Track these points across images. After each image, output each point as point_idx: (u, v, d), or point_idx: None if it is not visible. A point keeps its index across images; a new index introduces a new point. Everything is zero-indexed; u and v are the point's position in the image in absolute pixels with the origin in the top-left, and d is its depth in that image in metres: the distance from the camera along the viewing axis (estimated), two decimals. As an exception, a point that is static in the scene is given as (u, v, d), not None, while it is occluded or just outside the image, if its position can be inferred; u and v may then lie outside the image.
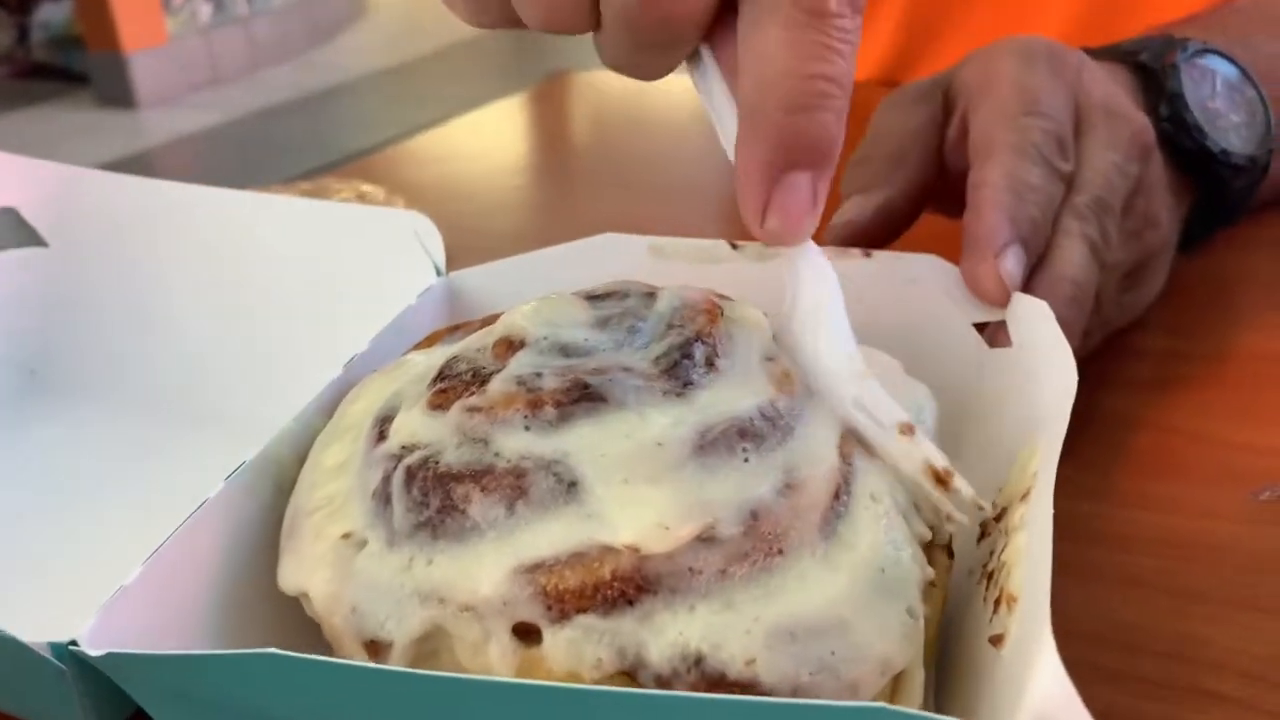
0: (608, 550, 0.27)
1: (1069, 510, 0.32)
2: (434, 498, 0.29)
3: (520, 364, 0.31)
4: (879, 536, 0.29)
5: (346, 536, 0.31)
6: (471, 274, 0.47)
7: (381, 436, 0.32)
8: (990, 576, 0.32)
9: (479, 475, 0.29)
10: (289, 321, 0.47)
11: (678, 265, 0.46)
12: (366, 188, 0.64)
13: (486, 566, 0.28)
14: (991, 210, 0.43)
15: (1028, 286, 0.43)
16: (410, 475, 0.30)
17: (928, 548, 0.31)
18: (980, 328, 0.43)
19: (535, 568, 0.28)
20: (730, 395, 0.30)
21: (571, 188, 0.87)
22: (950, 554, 0.33)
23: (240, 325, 0.48)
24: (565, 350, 0.31)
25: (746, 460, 0.29)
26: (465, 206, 0.75)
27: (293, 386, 0.39)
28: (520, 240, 0.61)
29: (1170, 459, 0.48)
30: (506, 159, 0.93)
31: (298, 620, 0.32)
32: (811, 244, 0.35)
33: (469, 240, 0.67)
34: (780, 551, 0.28)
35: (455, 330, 0.40)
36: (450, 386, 0.32)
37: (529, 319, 0.32)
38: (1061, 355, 0.35)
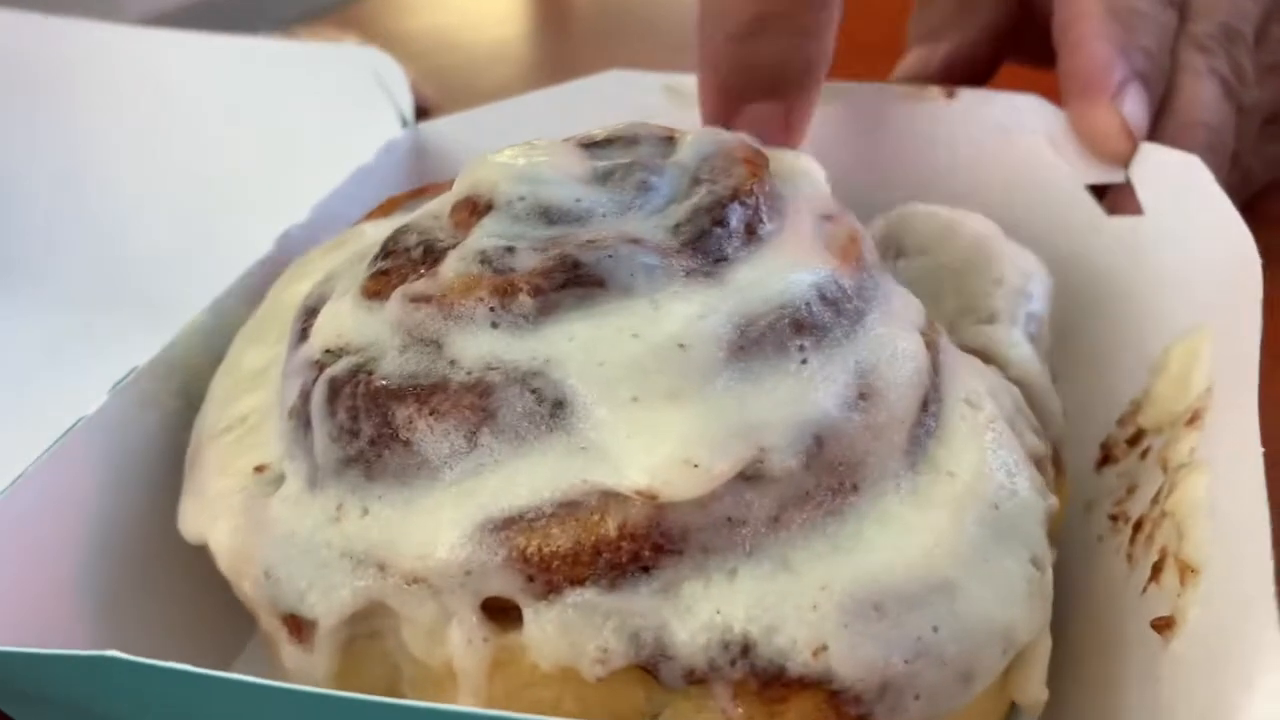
0: (611, 497, 0.19)
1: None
2: (366, 423, 0.21)
3: (486, 234, 0.22)
4: (985, 458, 0.21)
5: (260, 470, 0.23)
6: (444, 125, 0.37)
7: (304, 335, 0.24)
8: (1138, 527, 0.24)
9: (427, 392, 0.21)
10: (224, 183, 0.38)
11: (697, 109, 0.36)
12: (338, 34, 0.54)
13: (442, 521, 0.20)
14: (1096, 41, 0.33)
15: (1149, 138, 0.33)
16: (334, 391, 0.21)
17: (1039, 465, 0.23)
18: (1098, 191, 0.33)
19: (510, 523, 0.20)
20: (779, 272, 0.22)
21: (571, 38, 0.77)
22: (1061, 469, 0.25)
23: (169, 189, 0.39)
24: (549, 214, 0.23)
25: (805, 362, 0.21)
26: (451, 59, 0.65)
27: (227, 263, 0.31)
28: (511, 96, 0.52)
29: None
30: (499, 6, 0.82)
31: (211, 575, 0.24)
32: None
33: (456, 97, 0.58)
34: (855, 488, 0.20)
35: (419, 195, 0.31)
36: (393, 267, 0.23)
37: (500, 171, 0.23)
38: (1226, 219, 0.26)
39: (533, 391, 0.20)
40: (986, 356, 0.26)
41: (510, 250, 0.21)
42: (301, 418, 0.22)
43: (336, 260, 0.26)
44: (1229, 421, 0.22)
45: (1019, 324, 0.27)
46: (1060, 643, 0.22)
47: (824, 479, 0.20)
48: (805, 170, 0.26)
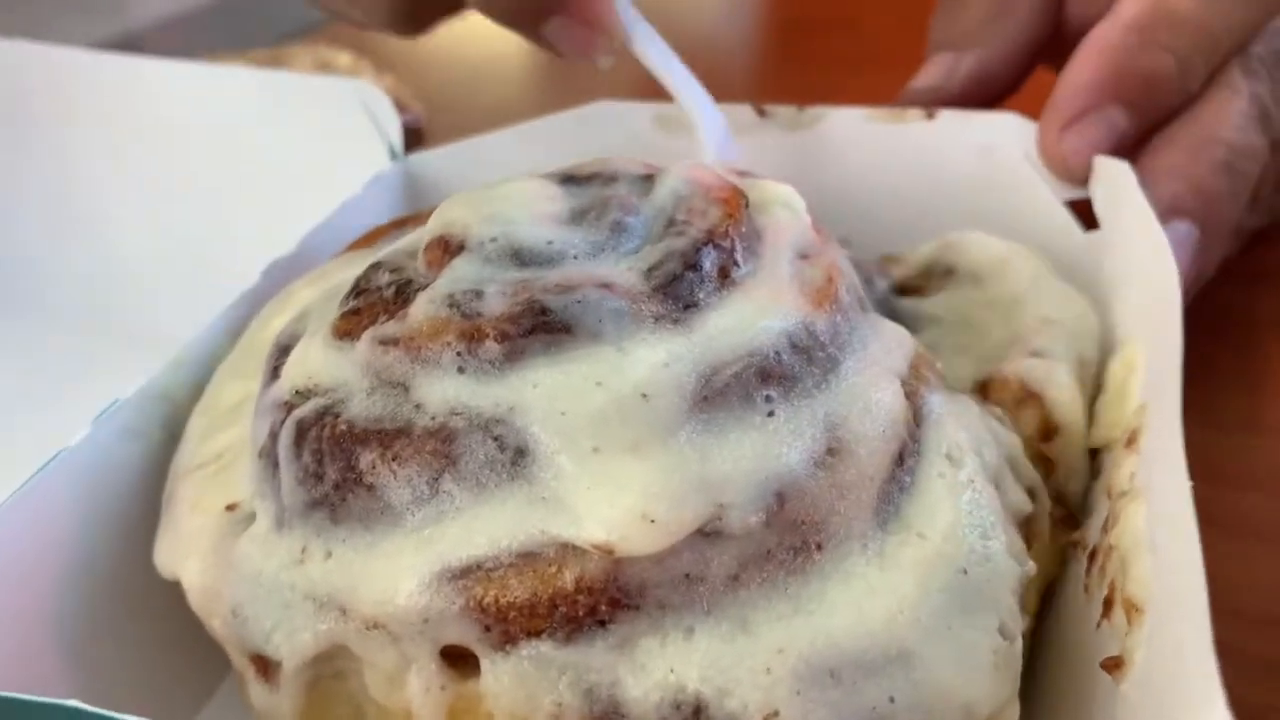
0: (570, 549, 0.19)
1: (1205, 442, 0.23)
2: (331, 466, 0.21)
3: (456, 276, 0.22)
4: (959, 519, 0.20)
5: (231, 508, 0.23)
6: (433, 156, 0.37)
7: (275, 374, 0.24)
8: (1092, 556, 0.23)
9: (392, 437, 0.20)
10: (213, 213, 0.38)
11: (687, 138, 0.36)
12: (331, 54, 0.54)
13: (402, 568, 0.20)
14: (1083, 64, 0.32)
15: (1163, 143, 0.32)
16: (300, 433, 0.21)
17: (1026, 524, 0.23)
18: (1080, 208, 0.33)
19: (468, 572, 0.19)
20: (749, 318, 0.22)
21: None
22: (1074, 523, 0.25)
23: (158, 218, 0.39)
24: (520, 256, 0.22)
25: (771, 414, 0.20)
26: (446, 75, 0.65)
27: (215, 293, 0.31)
28: (508, 114, 0.52)
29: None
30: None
31: (189, 611, 0.24)
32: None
33: (449, 116, 0.58)
34: (818, 546, 0.20)
35: (403, 224, 0.31)
36: (364, 307, 0.23)
37: (473, 211, 0.23)
38: (1149, 227, 0.26)
39: (495, 439, 0.20)
40: (1029, 391, 0.26)
41: (478, 294, 0.21)
42: (270, 458, 0.22)
43: (311, 296, 0.26)
44: (1159, 445, 0.22)
45: (1067, 364, 0.27)
46: (1034, 675, 0.22)
47: (786, 537, 0.19)
48: (785, 201, 0.26)
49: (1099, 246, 0.31)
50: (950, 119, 0.34)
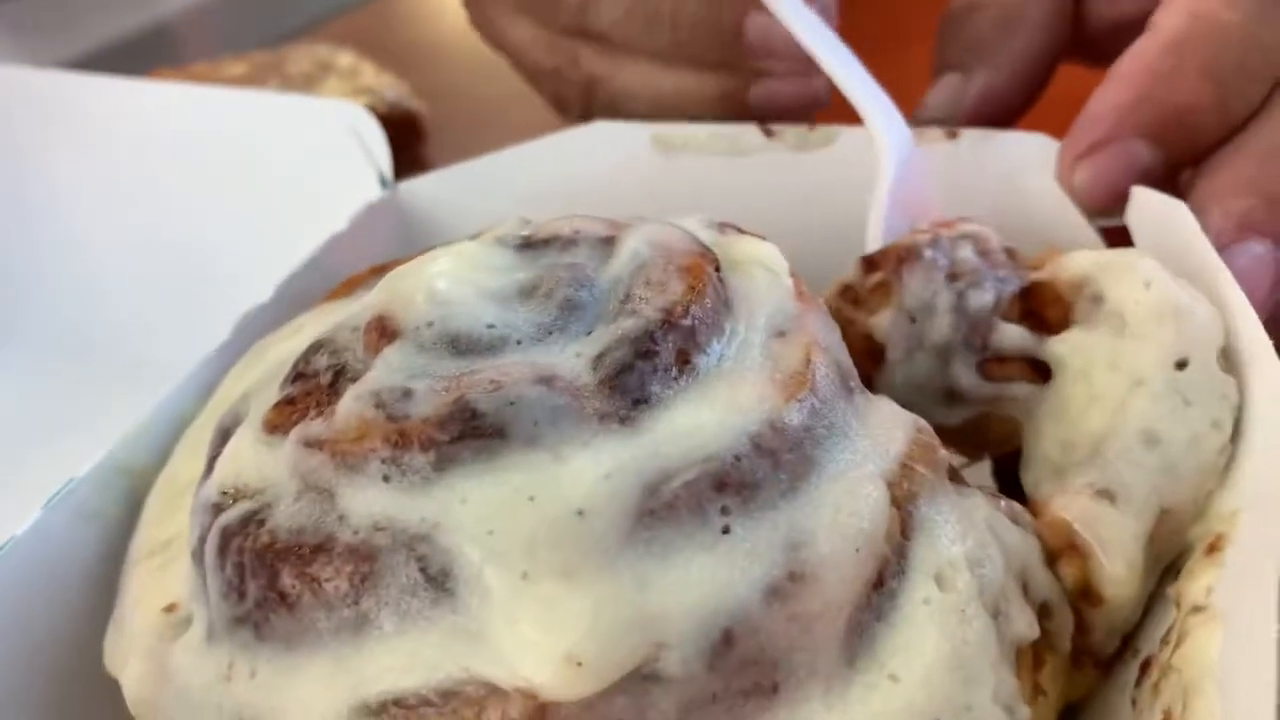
0: (493, 691, 0.17)
1: None
2: (253, 582, 0.19)
3: (388, 368, 0.20)
4: (942, 659, 0.18)
5: (171, 609, 0.22)
6: (425, 184, 0.35)
7: (212, 466, 0.22)
8: (1145, 667, 0.21)
9: (313, 554, 0.19)
10: (196, 241, 0.37)
11: (691, 161, 0.34)
12: (331, 53, 0.52)
13: (319, 697, 0.18)
14: (1109, 87, 0.29)
15: (1224, 158, 0.29)
16: (224, 543, 0.20)
17: (1038, 650, 0.20)
18: (1113, 233, 0.30)
19: (386, 708, 0.18)
20: (707, 414, 0.19)
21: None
22: (1098, 664, 0.22)
23: (143, 245, 0.38)
24: (457, 344, 0.20)
25: (727, 530, 0.18)
26: (449, 72, 0.63)
27: (196, 325, 0.30)
28: (509, 110, 0.49)
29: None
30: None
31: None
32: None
33: (449, 113, 0.55)
34: (773, 689, 0.17)
35: (382, 272, 0.29)
36: (299, 395, 0.21)
37: (412, 290, 0.21)
38: (1213, 274, 0.23)
39: (419, 559, 0.18)
40: (1075, 544, 0.21)
41: (407, 393, 0.19)
42: (201, 563, 0.21)
43: (254, 376, 0.25)
44: (1249, 564, 0.19)
45: (1141, 520, 0.21)
46: None
47: (734, 680, 0.17)
48: (764, 263, 0.23)
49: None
50: (973, 140, 0.31)
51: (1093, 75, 0.31)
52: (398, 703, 0.18)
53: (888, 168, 0.29)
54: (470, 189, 0.35)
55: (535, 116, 0.45)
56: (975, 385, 0.24)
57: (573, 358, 0.20)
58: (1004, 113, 0.34)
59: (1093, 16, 0.35)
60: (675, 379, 0.20)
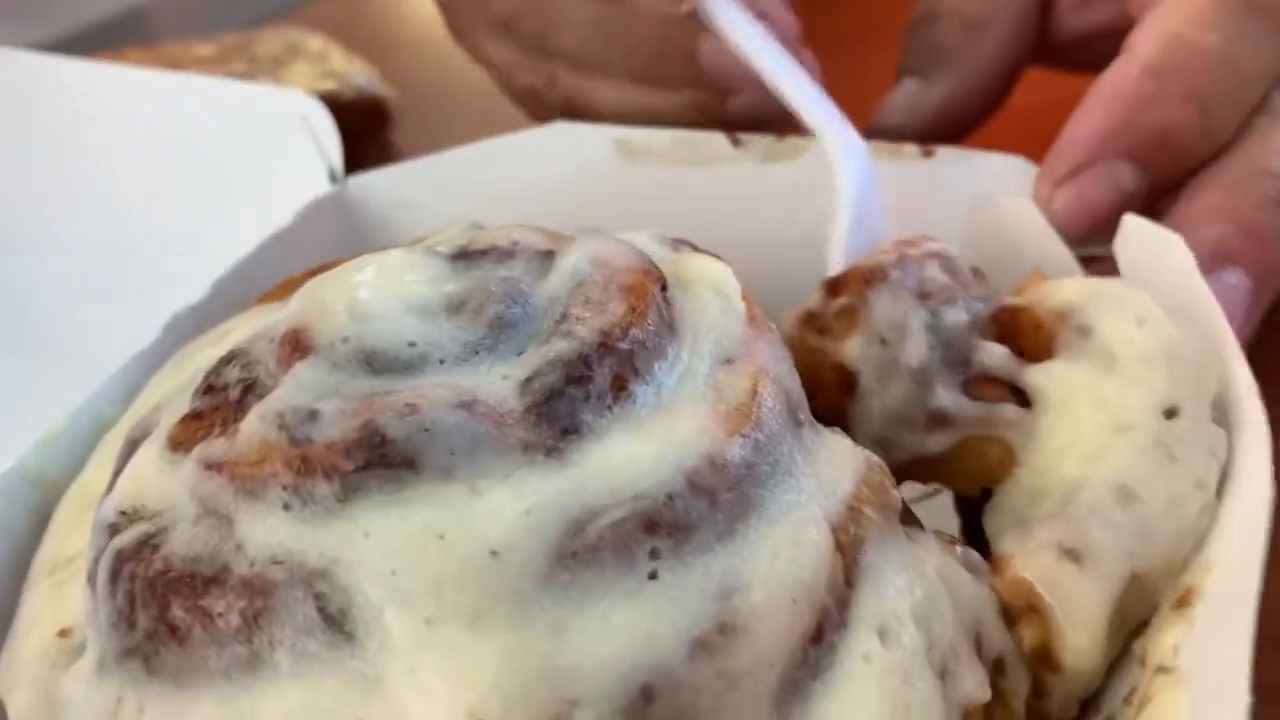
0: (390, 746, 0.16)
1: None
2: (143, 613, 0.18)
3: (296, 387, 0.18)
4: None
5: (64, 634, 0.20)
6: (377, 179, 0.34)
7: (114, 483, 0.21)
8: None
9: (205, 587, 0.17)
10: (140, 231, 0.35)
11: (654, 168, 0.32)
12: (302, 36, 0.51)
13: (204, 745, 0.17)
14: (1099, 107, 0.28)
15: (1201, 184, 0.28)
16: (117, 567, 0.18)
17: (990, 712, 0.19)
18: (1093, 263, 0.29)
19: (274, 759, 0.16)
20: (642, 447, 0.18)
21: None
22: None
23: (87, 233, 0.36)
24: (373, 362, 0.19)
25: (654, 576, 0.17)
26: (421, 58, 0.61)
27: (134, 315, 0.28)
28: (478, 97, 0.48)
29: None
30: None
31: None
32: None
33: (418, 99, 0.54)
34: (695, 751, 0.16)
35: (319, 274, 0.28)
36: (206, 410, 0.20)
37: (330, 301, 0.20)
38: (1206, 312, 0.22)
39: (317, 597, 0.17)
40: (1036, 607, 0.19)
41: (313, 415, 0.18)
42: (94, 587, 0.19)
43: (172, 385, 0.23)
44: (1223, 623, 0.18)
45: (1109, 585, 0.19)
46: None
47: (652, 741, 0.16)
48: (716, 285, 0.21)
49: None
50: (950, 159, 0.30)
51: (1059, 89, 0.30)
52: (288, 755, 0.16)
53: (846, 187, 0.28)
54: (424, 186, 0.33)
55: (507, 107, 0.44)
56: (961, 406, 0.22)
57: (499, 380, 0.19)
58: (963, 120, 0.34)
59: (1060, 27, 0.34)
60: (609, 408, 0.18)
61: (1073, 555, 0.19)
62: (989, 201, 0.29)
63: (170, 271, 0.32)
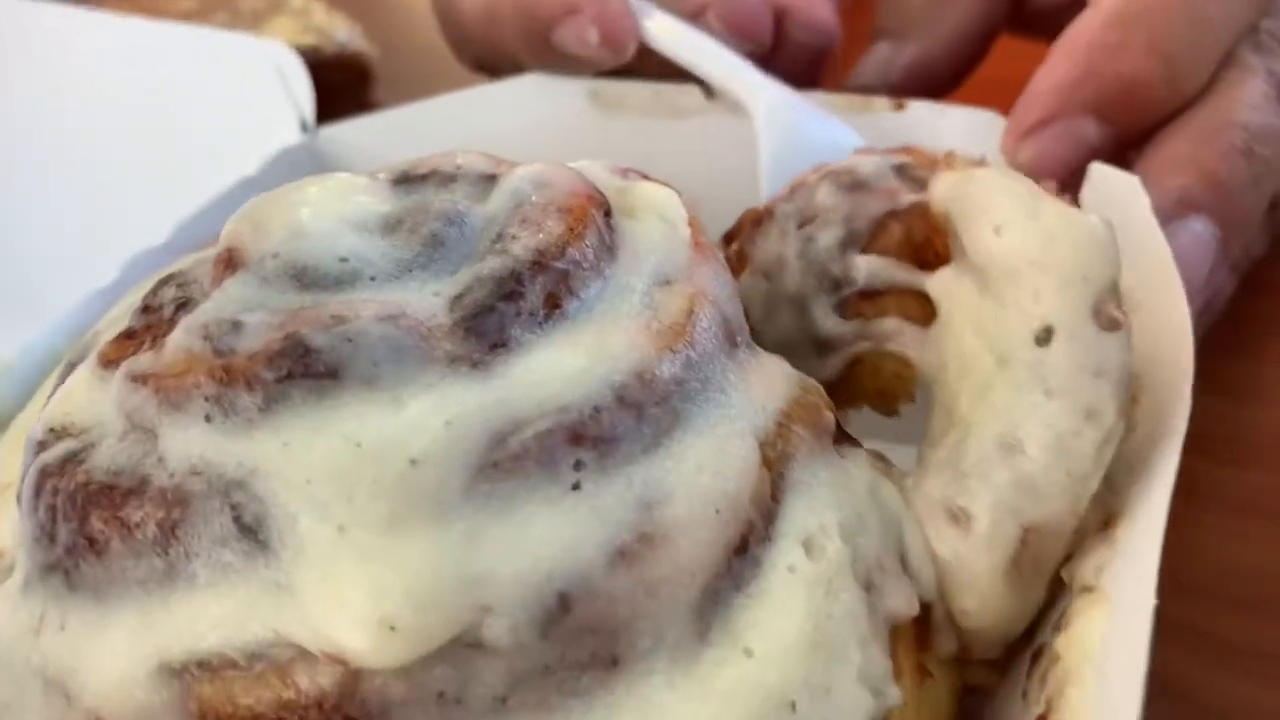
0: (302, 655, 0.16)
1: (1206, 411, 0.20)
2: (64, 527, 0.18)
3: (226, 299, 0.18)
4: (803, 633, 0.16)
5: (-2, 555, 0.20)
6: (347, 129, 0.34)
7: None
8: (1036, 657, 0.19)
9: (124, 497, 0.17)
10: (112, 174, 0.35)
11: (627, 119, 0.32)
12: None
13: (121, 655, 0.17)
14: (1063, 59, 0.28)
15: (1168, 134, 0.27)
16: (39, 484, 0.18)
17: (923, 630, 0.18)
18: None
19: (190, 669, 0.16)
20: (570, 362, 0.17)
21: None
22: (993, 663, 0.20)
23: (53, 181, 0.36)
24: (303, 277, 0.19)
25: (577, 486, 0.16)
26: (398, 17, 0.60)
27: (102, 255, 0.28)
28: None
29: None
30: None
31: None
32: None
33: (400, 58, 0.53)
34: (613, 661, 0.16)
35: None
36: (141, 329, 0.20)
37: (262, 217, 0.19)
38: (1162, 261, 0.21)
39: (233, 507, 0.16)
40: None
41: (237, 326, 0.17)
42: (20, 505, 0.19)
43: (121, 308, 0.23)
44: (1138, 544, 0.18)
45: (998, 551, 0.18)
46: None
47: (570, 651, 0.15)
48: (660, 210, 0.21)
49: None
50: (921, 112, 0.29)
51: (1033, 57, 0.29)
52: (201, 664, 0.16)
53: (761, 134, 0.28)
54: (394, 138, 0.33)
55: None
56: (839, 327, 0.22)
57: (430, 296, 0.18)
58: (933, 81, 0.33)
59: None
60: (540, 324, 0.18)
61: (957, 518, 0.19)
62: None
63: (138, 214, 0.32)
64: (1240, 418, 0.33)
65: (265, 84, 0.34)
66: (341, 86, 0.42)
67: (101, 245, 0.31)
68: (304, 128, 0.34)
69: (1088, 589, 0.18)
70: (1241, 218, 0.27)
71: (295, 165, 0.33)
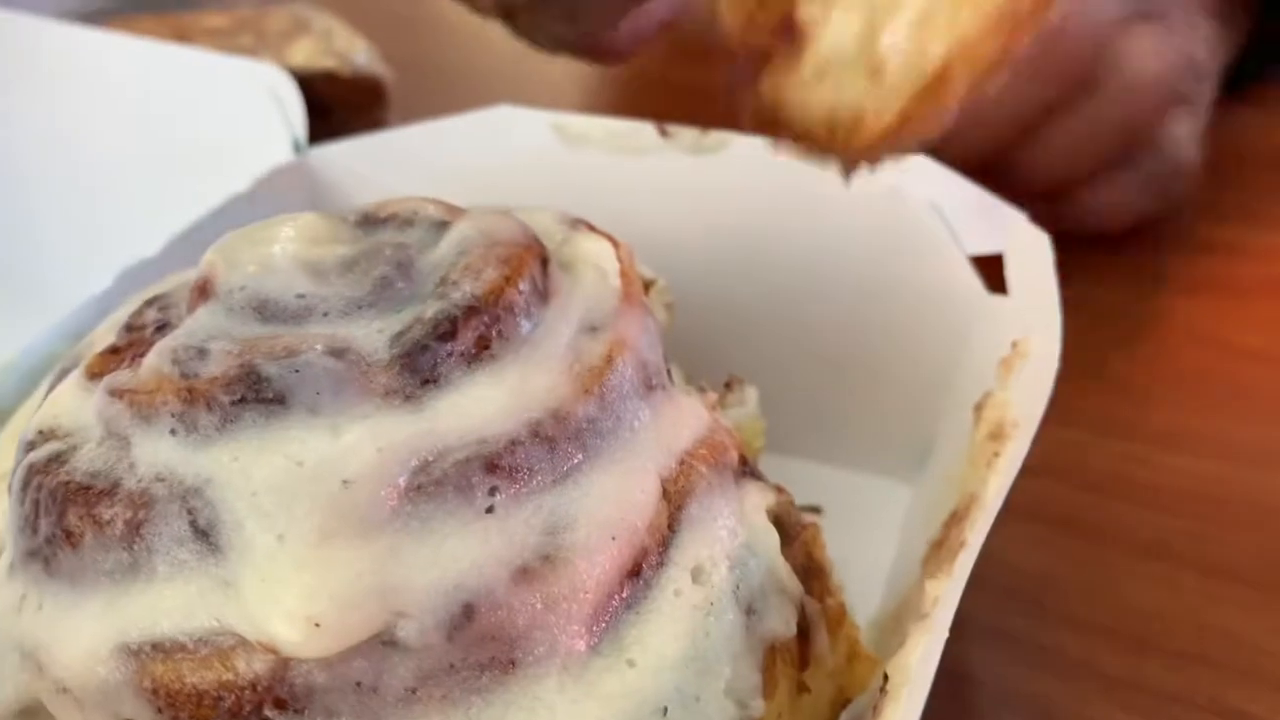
0: (242, 643, 0.18)
1: (1086, 446, 0.25)
2: (44, 519, 0.20)
3: (195, 327, 0.21)
4: (679, 648, 0.19)
5: (-11, 540, 0.23)
6: (335, 152, 0.36)
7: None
8: (886, 679, 0.21)
9: (97, 497, 0.20)
10: (105, 194, 0.38)
11: (589, 154, 0.34)
12: (308, 12, 0.53)
13: (87, 634, 0.19)
14: None
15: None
16: (27, 479, 0.21)
17: (805, 649, 0.21)
18: (986, 265, 0.30)
19: (146, 650, 0.19)
20: (492, 398, 0.20)
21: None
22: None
23: (48, 194, 0.39)
24: (264, 310, 0.21)
25: (490, 511, 0.19)
26: (418, 38, 0.63)
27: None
28: (477, 79, 0.50)
29: (1229, 386, 0.37)
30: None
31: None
32: None
33: (417, 79, 0.56)
34: (511, 664, 0.18)
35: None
36: (125, 346, 0.22)
37: (234, 254, 0.22)
38: (1049, 313, 0.24)
39: (190, 512, 0.19)
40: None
41: (202, 353, 0.20)
42: (10, 496, 0.22)
43: (110, 323, 0.26)
44: (959, 569, 0.20)
45: None
46: None
47: (472, 653, 0.18)
48: (595, 261, 0.23)
49: (1001, 316, 0.28)
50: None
51: None
52: (155, 646, 0.18)
53: None
54: (382, 161, 0.36)
55: (499, 91, 0.46)
56: None
57: (375, 333, 0.21)
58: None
59: None
60: (469, 364, 0.20)
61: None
62: (894, 199, 0.30)
63: (134, 228, 0.34)
64: (1156, 462, 0.35)
65: (260, 105, 0.36)
66: (357, 106, 0.44)
67: (99, 254, 0.34)
68: (296, 148, 0.36)
69: (923, 617, 0.20)
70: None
71: (287, 184, 0.35)
